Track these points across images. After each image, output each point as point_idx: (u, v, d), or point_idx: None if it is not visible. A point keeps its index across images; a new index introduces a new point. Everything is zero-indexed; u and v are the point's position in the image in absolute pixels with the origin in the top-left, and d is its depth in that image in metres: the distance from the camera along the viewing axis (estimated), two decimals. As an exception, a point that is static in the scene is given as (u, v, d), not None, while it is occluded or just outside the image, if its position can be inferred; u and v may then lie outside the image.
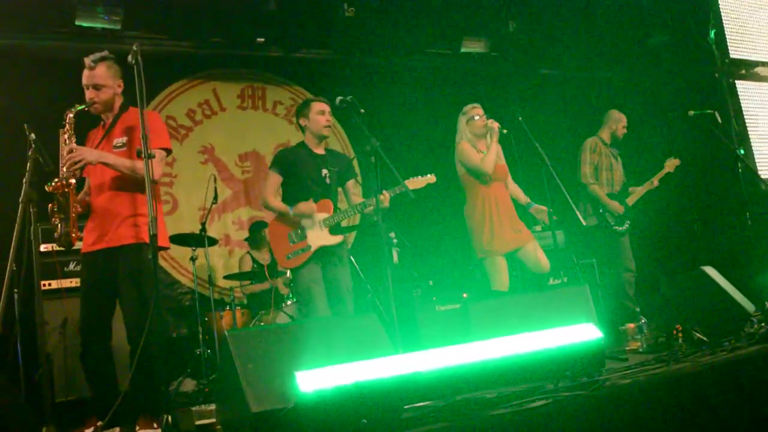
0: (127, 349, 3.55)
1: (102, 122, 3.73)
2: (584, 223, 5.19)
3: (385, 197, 4.04)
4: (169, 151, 3.71)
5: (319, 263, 4.27)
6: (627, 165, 6.15)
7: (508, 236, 4.69)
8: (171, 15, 5.97)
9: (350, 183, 4.50)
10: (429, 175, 4.32)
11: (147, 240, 3.45)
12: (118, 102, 3.70)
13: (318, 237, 4.26)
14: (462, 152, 4.80)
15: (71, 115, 3.51)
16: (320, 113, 4.37)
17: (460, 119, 4.93)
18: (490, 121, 4.75)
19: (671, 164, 6.00)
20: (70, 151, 3.41)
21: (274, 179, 4.37)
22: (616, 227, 5.79)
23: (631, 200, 5.88)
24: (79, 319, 3.60)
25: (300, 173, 4.32)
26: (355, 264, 5.48)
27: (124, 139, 3.61)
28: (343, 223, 4.41)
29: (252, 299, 6.06)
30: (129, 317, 3.51)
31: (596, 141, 5.99)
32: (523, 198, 5.00)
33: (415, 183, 4.24)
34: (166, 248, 3.74)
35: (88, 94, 3.59)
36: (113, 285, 3.55)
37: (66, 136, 3.48)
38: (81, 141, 3.59)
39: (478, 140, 4.84)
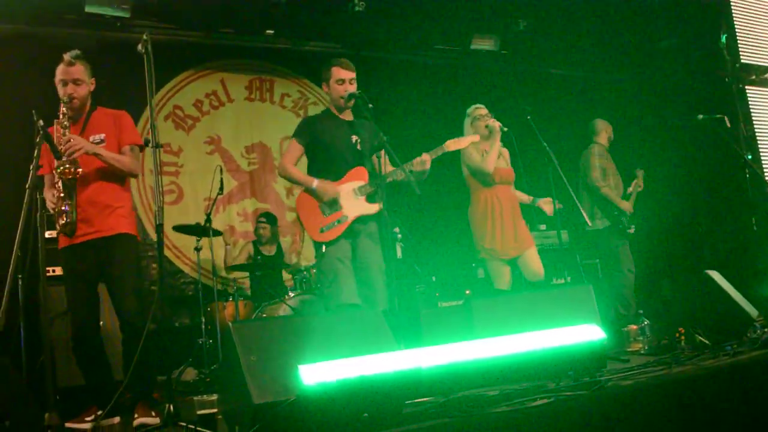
0: (118, 338, 3.60)
1: (69, 119, 3.68)
2: (589, 224, 5.18)
3: (426, 159, 3.87)
4: (141, 147, 3.82)
5: (349, 239, 3.93)
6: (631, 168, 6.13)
7: (510, 243, 4.70)
8: (180, 4, 5.98)
9: (381, 153, 4.11)
10: (473, 134, 4.10)
11: (132, 230, 3.72)
12: (89, 100, 3.77)
13: (355, 206, 3.93)
14: (465, 153, 4.78)
15: (64, 108, 3.60)
16: (339, 82, 4.00)
17: (465, 121, 4.91)
18: (491, 120, 4.72)
19: (639, 176, 5.98)
20: (68, 141, 3.47)
21: (295, 149, 4.04)
22: (628, 229, 5.78)
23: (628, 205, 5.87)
24: (70, 311, 3.67)
25: (329, 142, 3.99)
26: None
27: (102, 135, 3.69)
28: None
29: (255, 291, 6.07)
30: (124, 305, 3.58)
31: (601, 146, 5.98)
32: (525, 198, 5.01)
33: (457, 143, 4.04)
34: (135, 236, 3.80)
35: (68, 89, 3.65)
36: (99, 274, 3.64)
37: (61, 126, 3.56)
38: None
39: (483, 141, 4.80)
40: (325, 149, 4.00)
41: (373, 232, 4.01)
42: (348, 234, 3.92)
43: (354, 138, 4.03)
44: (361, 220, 3.94)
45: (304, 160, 4.14)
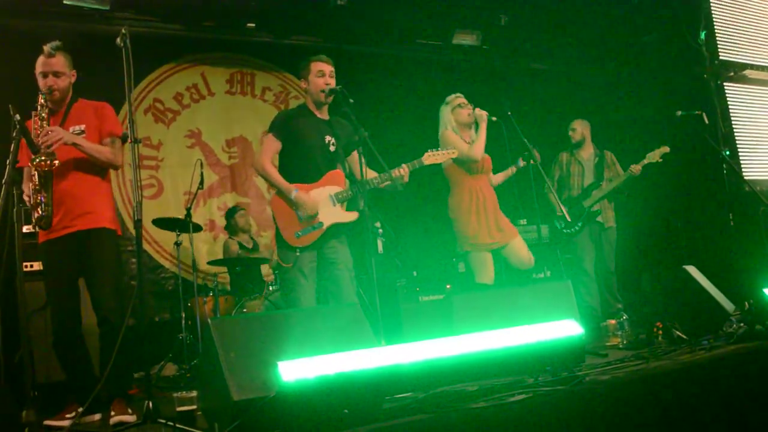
0: (96, 333, 3.57)
1: (49, 111, 3.65)
2: (568, 218, 5.24)
3: (405, 171, 3.86)
4: (124, 138, 3.73)
5: (316, 246, 3.89)
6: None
7: (493, 233, 4.69)
8: (161, -4, 5.93)
9: (355, 154, 4.03)
10: (451, 149, 4.16)
11: (112, 225, 3.65)
12: (70, 92, 3.72)
13: (331, 214, 3.89)
14: (447, 141, 4.70)
15: (42, 100, 3.55)
16: (319, 74, 3.94)
17: (442, 109, 4.85)
18: (477, 109, 4.69)
19: (658, 153, 5.82)
20: (46, 132, 3.41)
21: (273, 144, 3.94)
22: (565, 230, 5.85)
23: (588, 202, 5.88)
24: (49, 307, 3.62)
25: (303, 140, 3.92)
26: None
27: (82, 126, 3.64)
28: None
29: (235, 286, 6.05)
30: (102, 301, 3.54)
31: (562, 154, 6.15)
32: (501, 177, 5.04)
33: (436, 157, 4.04)
34: (115, 230, 3.71)
35: (48, 81, 3.60)
36: (78, 269, 3.59)
37: (39, 118, 3.51)
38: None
39: (463, 130, 4.78)
40: (300, 149, 3.93)
41: (343, 232, 4.00)
42: (321, 239, 3.89)
43: (328, 138, 3.98)
44: (335, 226, 3.93)
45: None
